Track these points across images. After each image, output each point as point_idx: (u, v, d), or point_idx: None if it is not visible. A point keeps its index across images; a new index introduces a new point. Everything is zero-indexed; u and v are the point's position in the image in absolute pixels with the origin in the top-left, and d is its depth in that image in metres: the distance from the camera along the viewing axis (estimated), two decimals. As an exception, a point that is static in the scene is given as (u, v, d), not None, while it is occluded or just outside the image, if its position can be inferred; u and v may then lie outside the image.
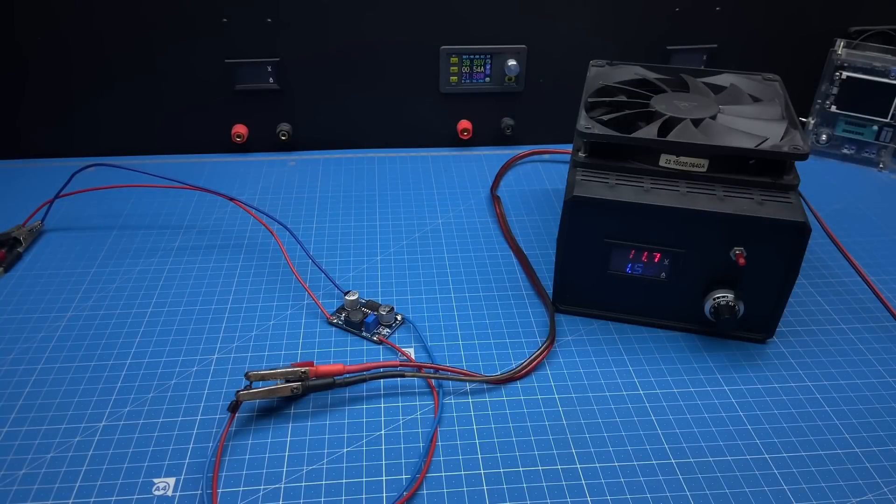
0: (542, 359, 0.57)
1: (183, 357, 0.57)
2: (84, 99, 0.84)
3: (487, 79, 0.88)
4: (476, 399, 0.54)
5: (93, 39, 0.80)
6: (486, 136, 0.92)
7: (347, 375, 0.53)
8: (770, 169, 0.56)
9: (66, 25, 0.79)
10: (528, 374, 0.56)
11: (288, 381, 0.52)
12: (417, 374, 0.55)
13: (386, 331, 0.60)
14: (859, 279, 0.64)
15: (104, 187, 0.75)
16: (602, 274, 0.59)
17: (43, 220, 0.73)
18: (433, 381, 0.55)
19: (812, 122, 0.88)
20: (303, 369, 0.52)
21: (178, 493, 0.46)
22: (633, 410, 0.53)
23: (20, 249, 0.69)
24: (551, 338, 0.58)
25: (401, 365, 0.55)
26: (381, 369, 0.54)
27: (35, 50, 0.80)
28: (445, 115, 0.90)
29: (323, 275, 0.65)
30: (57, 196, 0.73)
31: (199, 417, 0.52)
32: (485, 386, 0.55)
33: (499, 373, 0.56)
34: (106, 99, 0.84)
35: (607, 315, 0.62)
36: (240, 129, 0.87)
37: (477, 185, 0.83)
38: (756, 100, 0.64)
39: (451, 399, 0.54)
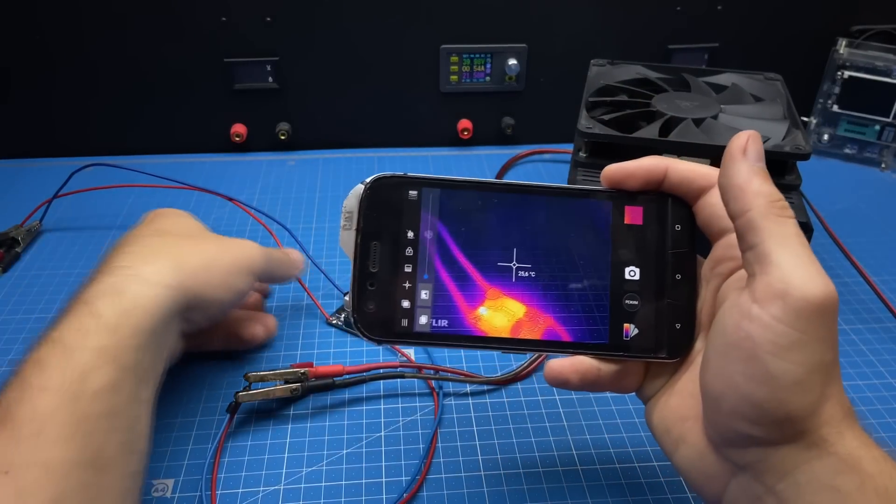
0: (543, 359, 0.57)
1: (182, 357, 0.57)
2: (82, 98, 0.84)
3: (488, 78, 0.87)
4: (476, 400, 0.53)
5: (91, 38, 0.80)
6: (486, 136, 0.92)
7: (347, 376, 0.53)
8: (772, 169, 0.54)
9: (63, 25, 0.79)
10: (528, 374, 0.55)
11: (287, 382, 0.52)
12: (417, 374, 0.55)
13: (386, 331, 0.60)
14: (861, 280, 0.64)
15: (102, 187, 0.74)
16: (603, 274, 0.58)
17: (41, 220, 0.73)
18: (433, 381, 0.55)
19: (814, 121, 0.88)
20: (302, 370, 0.52)
21: (176, 495, 0.46)
22: (634, 412, 0.52)
23: (18, 249, 0.69)
24: (552, 338, 0.58)
25: (400, 366, 0.55)
26: (381, 370, 0.54)
27: (32, 49, 0.80)
28: (445, 114, 0.90)
29: (322, 275, 0.65)
30: (55, 196, 0.72)
31: (197, 419, 0.51)
32: (485, 387, 0.55)
33: (499, 374, 0.55)
34: (104, 98, 0.84)
35: (608, 315, 0.61)
36: (239, 129, 0.87)
37: (477, 185, 0.83)
38: (758, 99, 0.64)
39: (451, 400, 0.53)
